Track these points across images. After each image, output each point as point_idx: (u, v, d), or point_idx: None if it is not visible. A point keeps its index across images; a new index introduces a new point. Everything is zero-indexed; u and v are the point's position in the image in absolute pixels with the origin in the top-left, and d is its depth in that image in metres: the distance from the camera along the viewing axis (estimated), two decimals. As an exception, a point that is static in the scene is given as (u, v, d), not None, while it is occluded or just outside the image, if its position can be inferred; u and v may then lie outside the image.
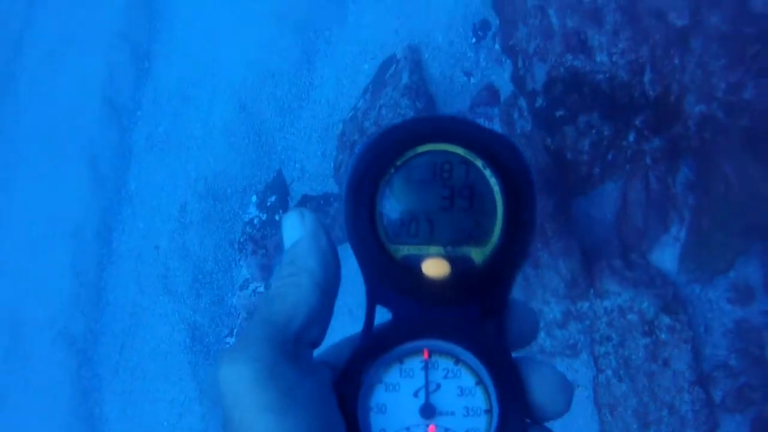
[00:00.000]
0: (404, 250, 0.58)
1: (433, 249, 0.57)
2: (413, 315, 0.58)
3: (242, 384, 0.48)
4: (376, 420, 0.55)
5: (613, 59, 2.54)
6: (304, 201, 3.10)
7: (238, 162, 3.31)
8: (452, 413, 0.55)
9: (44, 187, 3.79)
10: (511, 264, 0.58)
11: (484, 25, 2.92)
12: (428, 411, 0.55)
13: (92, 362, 3.56)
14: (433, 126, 0.60)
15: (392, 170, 0.58)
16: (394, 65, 3.05)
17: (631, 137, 2.50)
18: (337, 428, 0.52)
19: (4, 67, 4.17)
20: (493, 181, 0.58)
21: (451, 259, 0.57)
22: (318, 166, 3.16)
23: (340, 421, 0.53)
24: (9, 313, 3.78)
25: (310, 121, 3.23)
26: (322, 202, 3.10)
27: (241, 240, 3.24)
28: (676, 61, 2.43)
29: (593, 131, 2.52)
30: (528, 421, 0.55)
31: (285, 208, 3.20)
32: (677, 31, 2.46)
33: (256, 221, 3.25)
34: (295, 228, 0.59)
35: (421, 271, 0.57)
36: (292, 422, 0.47)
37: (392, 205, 0.58)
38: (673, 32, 2.47)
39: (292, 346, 0.52)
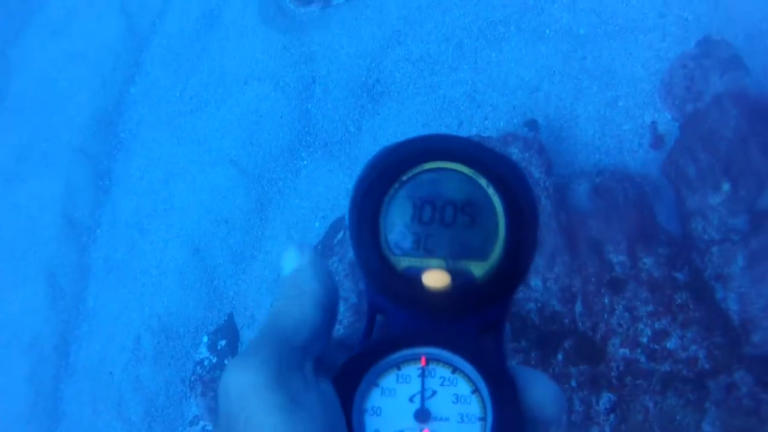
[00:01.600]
0: (406, 262, 0.57)
1: (435, 262, 0.56)
2: (413, 324, 0.56)
3: (250, 387, 0.47)
4: (370, 422, 0.54)
5: (547, 284, 2.45)
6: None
7: (190, 303, 3.16)
8: (446, 419, 0.54)
9: (2, 302, 3.59)
10: (511, 280, 0.57)
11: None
12: (423, 415, 0.54)
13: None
14: (439, 144, 0.59)
15: (397, 185, 0.57)
16: (343, 231, 2.91)
17: (560, 356, 2.43)
18: None
19: None
20: (495, 199, 0.57)
21: (452, 272, 0.56)
22: (267, 316, 3.03)
23: (344, 428, 0.51)
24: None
25: (261, 270, 3.09)
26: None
27: (192, 379, 3.12)
28: (606, 300, 2.35)
29: (520, 355, 2.44)
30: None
31: (235, 353, 3.08)
32: (611, 268, 2.37)
33: (206, 362, 3.12)
34: (293, 258, 0.58)
35: (421, 282, 0.56)
36: (299, 423, 0.46)
37: (396, 219, 0.57)
38: (606, 268, 2.38)
39: (298, 356, 0.51)
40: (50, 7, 4.04)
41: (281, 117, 3.18)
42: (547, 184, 2.53)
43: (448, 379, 0.55)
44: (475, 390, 0.55)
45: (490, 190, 0.57)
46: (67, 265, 3.50)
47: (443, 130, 2.99)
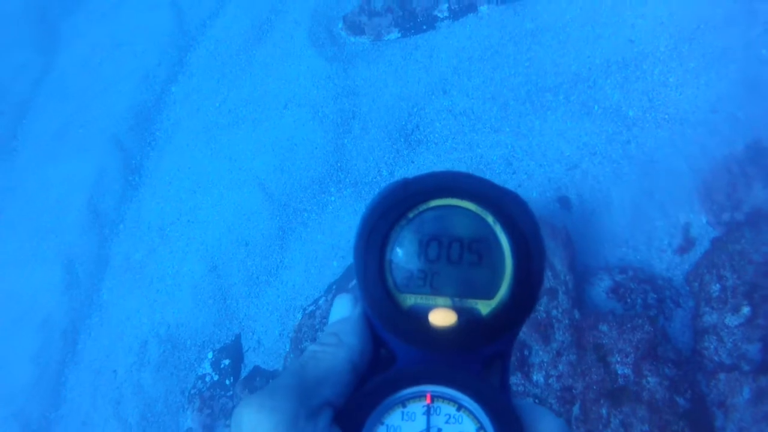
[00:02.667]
0: (412, 300, 0.58)
1: (441, 300, 0.57)
2: (418, 361, 0.57)
3: (263, 429, 0.49)
4: None
5: (549, 381, 2.50)
6: (255, 373, 3.07)
7: (200, 318, 3.26)
8: None
9: (19, 277, 3.71)
10: (517, 317, 0.57)
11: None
12: None
13: (41, 452, 3.58)
14: (446, 181, 0.59)
15: (404, 222, 0.58)
16: (359, 277, 2.97)
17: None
18: None
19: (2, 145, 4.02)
20: (502, 237, 0.57)
21: (458, 310, 0.57)
22: (274, 343, 3.12)
23: None
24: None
25: (274, 298, 3.17)
26: (270, 379, 3.08)
27: (192, 392, 3.23)
28: (604, 410, 2.39)
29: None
30: None
31: (237, 376, 3.17)
32: (614, 378, 2.41)
33: (207, 379, 3.22)
34: (346, 306, 0.60)
35: (427, 320, 0.56)
36: None
37: (402, 256, 0.58)
38: (610, 378, 2.42)
39: (316, 407, 0.52)
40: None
41: (316, 148, 3.22)
42: (567, 278, 2.56)
43: (454, 417, 0.56)
44: (481, 428, 0.55)
45: (497, 228, 0.58)
46: (86, 254, 3.60)
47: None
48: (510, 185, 3.01)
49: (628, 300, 2.60)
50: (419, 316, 0.57)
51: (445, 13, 3.27)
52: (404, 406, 0.56)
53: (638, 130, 2.93)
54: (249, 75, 3.50)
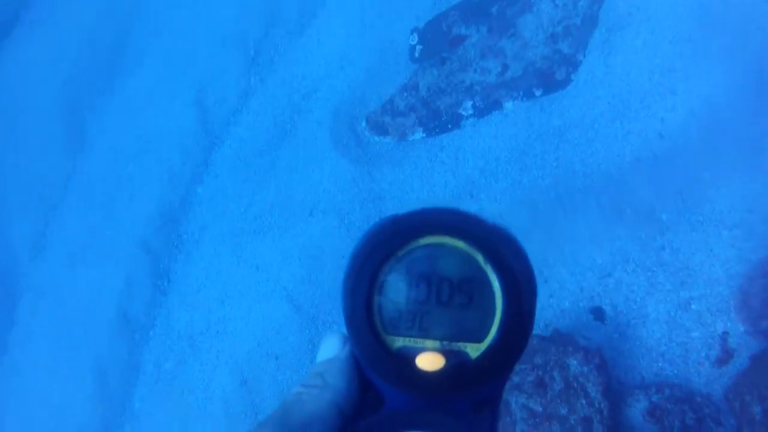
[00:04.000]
0: (400, 342, 0.59)
1: (429, 343, 0.59)
2: (406, 405, 0.58)
3: None
4: None
5: None
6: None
7: (233, 434, 3.42)
8: None
9: (51, 384, 3.92)
10: (506, 361, 0.59)
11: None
12: None
13: None
14: (435, 218, 0.61)
15: (393, 261, 0.60)
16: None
17: None
18: None
19: (25, 260, 4.25)
20: (493, 277, 0.59)
21: (446, 353, 0.58)
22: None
23: None
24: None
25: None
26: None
27: None
28: None
29: None
30: None
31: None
32: None
33: (243, 498, 3.37)
34: (333, 346, 0.62)
35: (415, 363, 0.58)
36: None
37: (391, 297, 0.59)
38: None
39: None
40: (132, 83, 4.31)
41: (342, 257, 3.36)
42: (602, 406, 2.65)
43: None
44: None
45: (488, 268, 0.59)
46: (117, 361, 3.79)
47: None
48: (541, 296, 3.11)
49: (666, 422, 2.68)
50: (407, 359, 0.59)
51: (470, 111, 3.39)
52: None
53: (672, 235, 3.01)
54: (273, 178, 3.67)
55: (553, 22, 3.37)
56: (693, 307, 2.90)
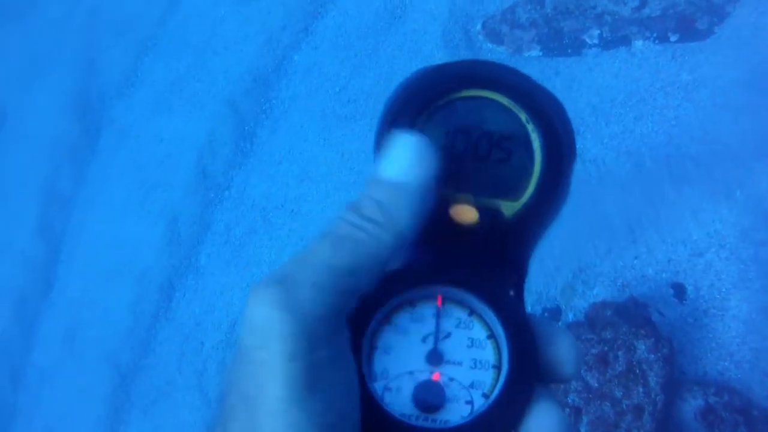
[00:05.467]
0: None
1: (463, 197, 0.60)
2: (433, 260, 0.59)
3: (276, 332, 0.46)
4: (379, 359, 0.56)
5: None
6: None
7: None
8: (459, 363, 0.57)
9: (123, 225, 4.23)
10: (541, 222, 0.61)
11: None
12: (435, 358, 0.57)
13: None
14: (479, 70, 0.62)
15: (430, 111, 0.60)
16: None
17: None
18: (353, 416, 0.51)
19: (113, 95, 4.43)
20: (534, 136, 0.60)
21: (480, 209, 0.59)
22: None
23: (357, 415, 0.51)
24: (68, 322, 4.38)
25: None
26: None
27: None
28: None
29: None
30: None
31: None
32: None
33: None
34: (409, 161, 0.55)
35: (448, 215, 0.59)
36: (310, 403, 0.46)
37: None
38: None
39: (344, 300, 0.50)
40: None
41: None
42: (657, 398, 2.79)
43: (464, 322, 0.58)
44: (491, 335, 0.57)
45: (530, 126, 0.60)
46: (190, 214, 4.07)
47: (590, 253, 3.20)
48: (627, 254, 3.18)
49: (716, 430, 2.81)
50: (439, 211, 0.59)
51: (595, 40, 3.32)
52: (414, 306, 0.58)
53: (777, 232, 3.00)
54: (374, 65, 3.70)
55: (711, -40, 3.19)
56: (777, 314, 2.94)
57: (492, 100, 0.61)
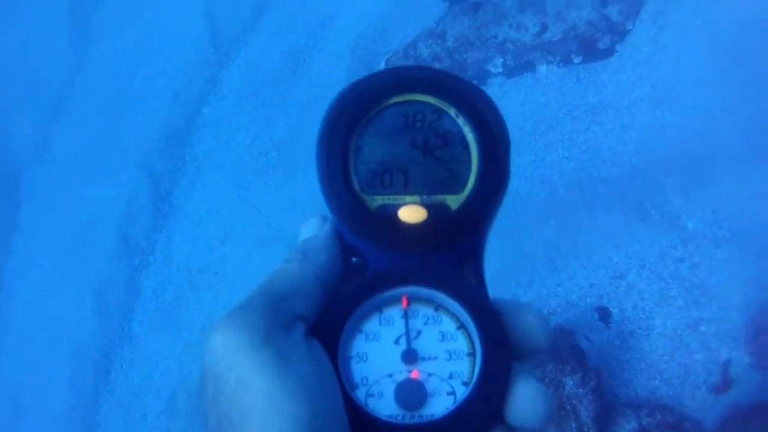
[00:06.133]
0: (380, 200, 0.64)
1: (409, 198, 0.64)
2: (391, 264, 0.63)
3: (238, 348, 0.53)
4: (357, 369, 0.60)
5: None
6: None
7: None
8: (435, 358, 0.60)
9: (52, 298, 4.24)
10: (487, 209, 0.65)
11: None
12: (410, 357, 0.60)
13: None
14: (404, 76, 0.66)
15: (364, 122, 0.65)
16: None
17: None
18: (334, 393, 0.57)
19: (28, 162, 4.43)
20: (466, 129, 0.65)
21: (427, 206, 0.63)
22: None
23: (337, 388, 0.58)
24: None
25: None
26: None
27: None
28: None
29: None
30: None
31: None
32: None
33: None
34: (314, 227, 0.67)
35: (397, 219, 0.63)
36: (290, 383, 0.52)
37: (366, 157, 0.65)
38: None
39: (288, 317, 0.58)
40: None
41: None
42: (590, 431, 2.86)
43: (432, 318, 0.62)
44: (461, 326, 0.61)
45: (461, 120, 0.65)
46: (117, 283, 4.09)
47: (513, 287, 3.26)
48: (550, 283, 3.25)
49: (654, 449, 2.89)
50: (388, 216, 0.63)
51: (499, 69, 3.38)
52: (381, 311, 0.62)
53: (695, 247, 3.07)
54: (282, 114, 3.74)
55: (606, -17, 3.25)
56: (702, 328, 3.01)
57: (421, 102, 0.65)
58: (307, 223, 0.68)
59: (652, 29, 3.26)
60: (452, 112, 0.64)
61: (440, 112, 0.65)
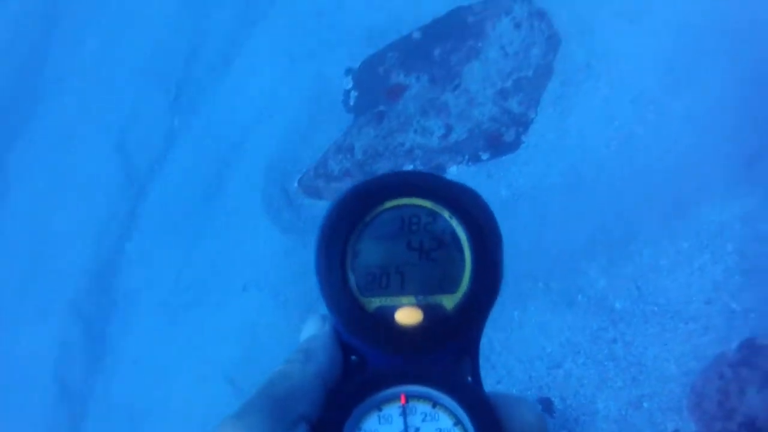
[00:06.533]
0: (377, 302, 0.66)
1: (405, 299, 0.66)
2: (389, 363, 0.65)
3: None
4: None
5: None
6: None
7: None
8: None
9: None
10: (482, 307, 0.66)
11: None
12: None
13: None
14: (398, 181, 0.69)
15: (361, 226, 0.67)
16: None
17: None
18: None
19: None
20: (460, 230, 0.67)
21: (423, 307, 0.65)
22: None
23: None
24: None
25: None
26: None
27: None
28: None
29: None
30: None
31: None
32: None
33: None
34: (314, 326, 0.69)
35: (394, 320, 0.65)
36: None
37: (363, 260, 0.66)
38: None
39: (290, 419, 0.59)
40: (50, 119, 4.33)
41: (282, 335, 3.51)
42: None
43: (430, 415, 0.63)
44: (458, 422, 0.62)
45: (454, 222, 0.67)
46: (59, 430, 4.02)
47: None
48: (489, 381, 3.27)
49: None
50: (386, 318, 0.65)
51: (411, 175, 3.44)
52: (380, 409, 0.63)
53: (625, 326, 3.12)
54: (202, 245, 3.77)
55: (503, 75, 3.36)
56: (644, 405, 3.05)
57: (415, 206, 0.67)
58: (307, 324, 0.70)
59: (554, 115, 3.36)
60: (446, 214, 0.67)
61: (435, 215, 0.67)
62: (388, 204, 0.67)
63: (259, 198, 3.70)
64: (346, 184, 3.50)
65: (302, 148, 3.68)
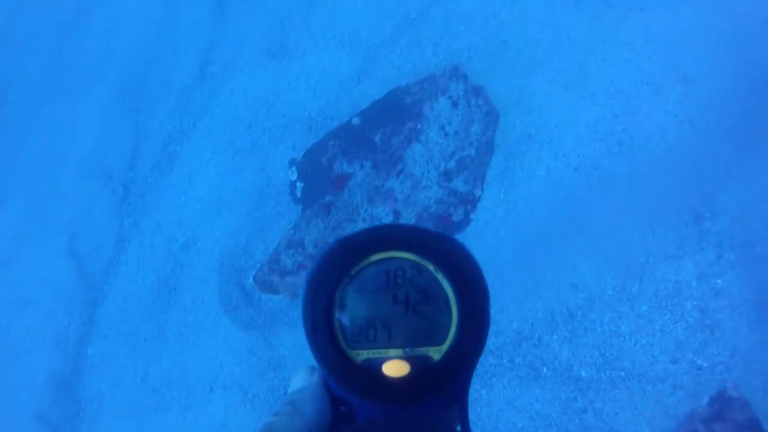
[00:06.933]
0: (365, 354, 0.66)
1: (393, 351, 0.66)
2: (377, 414, 0.66)
3: None
4: None
5: None
6: None
7: None
8: None
9: None
10: (468, 358, 0.67)
11: None
12: None
13: None
14: (383, 235, 0.69)
15: (347, 280, 0.68)
16: None
17: None
18: None
19: None
20: (445, 283, 0.67)
21: (410, 359, 0.66)
22: None
23: None
24: None
25: None
26: None
27: None
28: None
29: None
30: None
31: None
32: None
33: None
34: (302, 378, 0.69)
35: (382, 372, 0.65)
36: None
37: (349, 314, 0.67)
38: None
39: None
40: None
41: (252, 433, 3.52)
42: None
43: None
44: None
45: (439, 275, 0.67)
46: None
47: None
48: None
49: None
50: (373, 370, 0.66)
51: (363, 265, 3.47)
52: None
53: (594, 394, 3.17)
54: (165, 347, 3.77)
55: (445, 156, 3.39)
56: (621, 477, 3.09)
57: (402, 259, 0.68)
58: (296, 376, 0.70)
59: (500, 190, 3.40)
60: (431, 267, 0.67)
61: (419, 268, 0.68)
62: (374, 257, 0.68)
63: (216, 297, 3.71)
64: (301, 278, 3.53)
65: (253, 242, 3.70)
